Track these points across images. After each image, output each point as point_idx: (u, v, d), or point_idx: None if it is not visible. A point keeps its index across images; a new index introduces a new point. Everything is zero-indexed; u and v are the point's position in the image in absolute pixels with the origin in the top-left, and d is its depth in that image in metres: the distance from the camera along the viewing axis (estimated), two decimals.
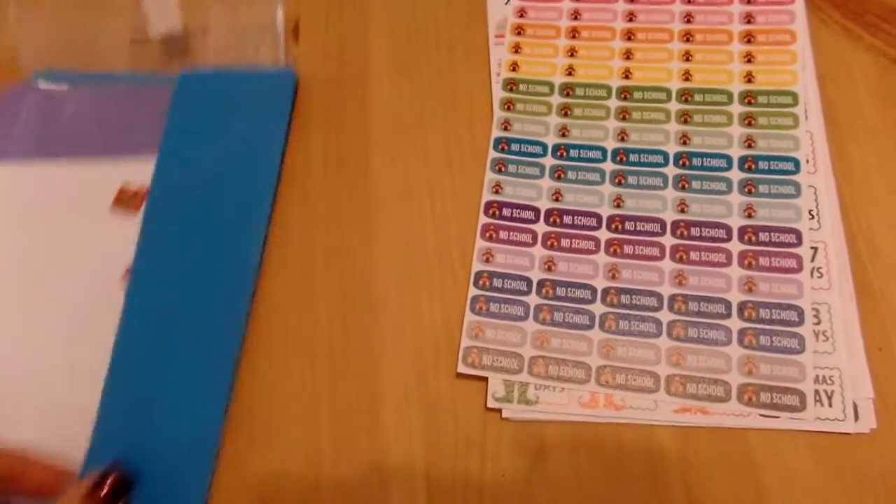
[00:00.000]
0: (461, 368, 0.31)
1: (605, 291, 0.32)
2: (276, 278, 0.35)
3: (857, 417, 0.29)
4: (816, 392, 0.30)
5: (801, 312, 0.31)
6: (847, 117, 0.35)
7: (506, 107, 0.37)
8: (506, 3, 0.40)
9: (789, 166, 0.34)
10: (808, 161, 0.34)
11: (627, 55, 0.37)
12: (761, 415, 0.30)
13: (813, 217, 0.33)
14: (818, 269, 0.32)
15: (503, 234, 0.34)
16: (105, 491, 0.29)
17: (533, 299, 0.33)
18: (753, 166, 0.34)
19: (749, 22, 0.37)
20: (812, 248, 0.32)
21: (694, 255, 0.33)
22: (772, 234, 0.32)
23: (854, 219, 0.33)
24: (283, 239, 0.35)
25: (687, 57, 0.37)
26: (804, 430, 0.29)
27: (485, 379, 0.31)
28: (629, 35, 0.38)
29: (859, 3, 0.37)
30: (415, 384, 0.32)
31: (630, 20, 0.38)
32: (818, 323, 0.31)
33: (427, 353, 0.32)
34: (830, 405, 0.30)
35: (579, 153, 0.35)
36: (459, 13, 0.40)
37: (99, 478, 0.29)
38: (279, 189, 0.37)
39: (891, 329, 0.31)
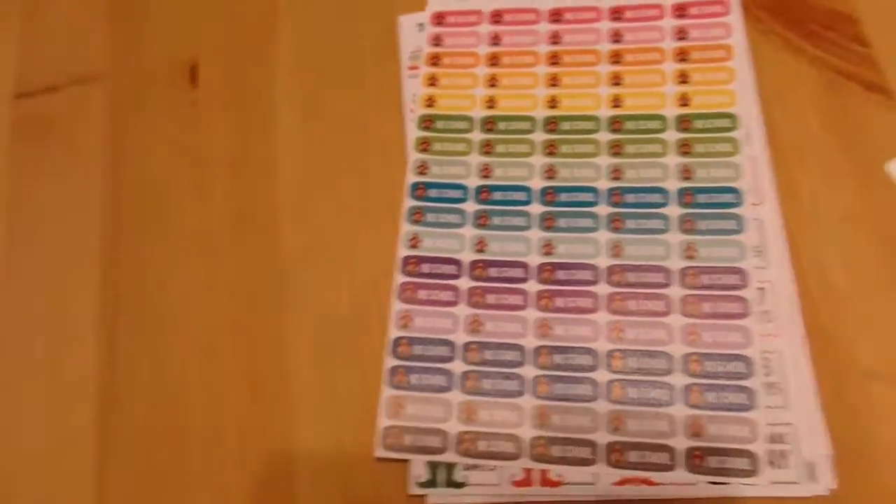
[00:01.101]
0: (380, 453, 0.28)
1: (537, 351, 0.29)
2: (175, 358, 0.32)
3: (814, 478, 0.27)
4: (769, 453, 0.27)
5: (749, 363, 0.28)
6: (791, 139, 0.32)
7: (422, 147, 0.34)
8: (419, 31, 0.36)
9: (730, 198, 0.31)
10: (751, 191, 0.31)
11: (553, 81, 0.34)
12: (710, 482, 0.27)
13: (759, 255, 0.30)
14: (766, 312, 0.29)
15: (422, 294, 0.31)
16: None
17: (457, 366, 0.30)
18: (692, 200, 0.31)
19: (682, 38, 0.34)
20: (759, 288, 0.29)
21: (632, 304, 0.30)
22: (714, 275, 0.29)
23: (804, 253, 0.30)
24: (184, 313, 0.32)
25: (616, 80, 0.34)
26: (758, 496, 0.27)
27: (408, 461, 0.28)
28: (554, 59, 0.35)
29: (800, 9, 0.34)
30: (333, 471, 0.29)
31: (555, 42, 0.35)
32: (768, 374, 0.28)
33: (345, 435, 0.29)
34: (785, 466, 0.27)
35: (504, 195, 0.32)
36: (369, 46, 0.37)
37: None
38: (178, 255, 0.34)
39: (847, 374, 0.28)
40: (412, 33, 0.36)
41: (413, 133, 0.34)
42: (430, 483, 0.28)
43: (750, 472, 0.27)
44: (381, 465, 0.28)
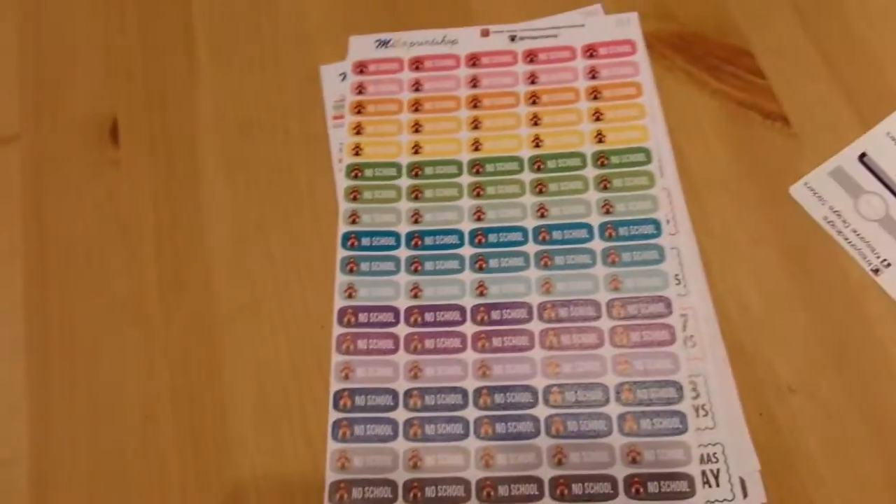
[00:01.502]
0: None
1: (477, 393, 0.30)
2: (112, 428, 0.31)
3: (745, 494, 0.28)
4: (703, 473, 0.28)
5: (679, 388, 0.29)
6: (700, 169, 0.33)
7: (352, 196, 0.34)
8: (342, 80, 0.37)
9: (650, 229, 0.32)
10: (668, 222, 0.32)
11: (475, 124, 0.35)
12: None
13: (679, 282, 0.31)
14: (690, 337, 0.30)
15: (361, 344, 0.31)
16: None
17: (401, 414, 0.30)
18: (614, 233, 0.32)
19: (594, 77, 0.35)
20: (682, 315, 0.31)
21: (566, 339, 0.31)
22: (641, 305, 0.31)
23: (720, 278, 0.31)
24: (119, 380, 0.32)
25: (535, 121, 0.35)
26: None
27: None
28: (475, 102, 0.36)
29: (700, 45, 0.36)
30: None
31: (474, 86, 0.36)
32: (696, 397, 0.29)
33: (294, 495, 0.29)
34: (718, 485, 0.28)
35: (435, 240, 0.33)
36: (293, 96, 0.37)
37: None
38: (110, 321, 0.33)
39: (768, 391, 0.30)
40: (335, 82, 0.37)
41: (342, 183, 0.34)
42: None
43: (688, 494, 0.28)
44: None
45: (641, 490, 0.28)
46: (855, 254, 0.32)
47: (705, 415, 0.29)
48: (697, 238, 0.32)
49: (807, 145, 0.34)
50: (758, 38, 0.36)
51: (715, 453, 0.29)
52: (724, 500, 0.28)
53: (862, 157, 0.33)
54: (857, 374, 0.30)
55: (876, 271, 0.31)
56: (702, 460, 0.28)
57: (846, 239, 0.32)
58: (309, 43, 0.38)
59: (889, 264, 0.31)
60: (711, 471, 0.28)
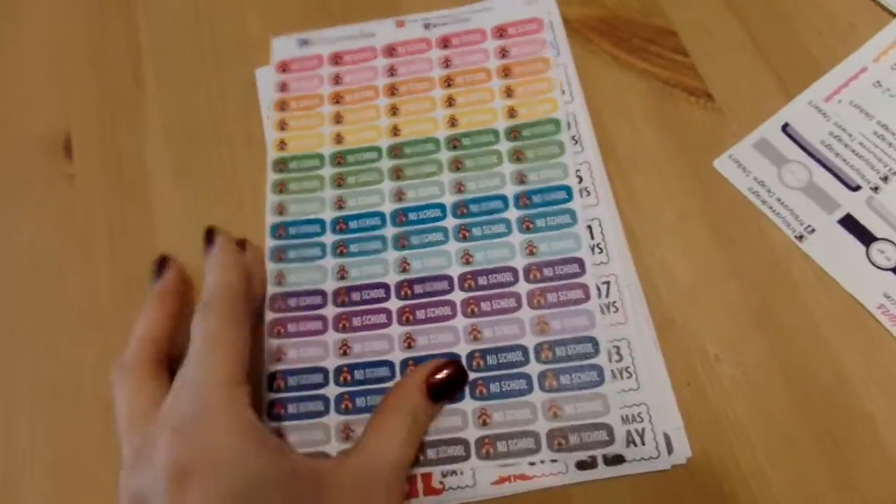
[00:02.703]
0: None
1: (404, 363, 0.31)
2: (72, 427, 0.32)
3: (670, 450, 0.29)
4: (628, 433, 0.29)
5: (595, 343, 0.30)
6: (627, 147, 0.34)
7: (279, 189, 0.35)
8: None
9: (561, 195, 0.33)
10: (587, 193, 0.33)
11: (393, 111, 0.37)
12: (578, 466, 0.29)
13: (601, 251, 0.32)
14: (613, 303, 0.31)
15: (292, 327, 0.32)
16: (443, 376, 0.30)
17: (332, 390, 0.31)
18: (528, 202, 0.33)
19: (504, 56, 0.37)
20: (604, 283, 0.32)
21: (485, 306, 0.32)
22: (555, 267, 0.32)
23: (646, 250, 0.32)
24: (77, 376, 0.33)
25: (450, 102, 0.36)
26: (624, 475, 0.29)
27: None
28: (392, 90, 0.37)
29: (624, 28, 0.37)
30: None
31: (391, 74, 0.37)
32: (620, 360, 0.30)
33: None
34: (644, 443, 0.29)
35: (358, 223, 0.34)
36: (235, 102, 0.38)
37: (437, 366, 0.30)
38: (68, 326, 0.34)
39: (696, 361, 0.30)
40: (269, 85, 0.38)
41: (270, 177, 0.36)
42: None
43: (608, 443, 0.29)
44: None
45: (563, 442, 0.29)
46: (779, 222, 0.32)
47: (629, 377, 0.30)
48: (625, 214, 0.33)
49: (731, 119, 0.35)
50: (681, 17, 0.37)
51: (640, 413, 0.29)
52: (650, 457, 0.29)
53: (784, 127, 0.34)
54: (784, 340, 0.30)
55: (800, 237, 0.32)
56: (626, 420, 0.29)
57: (771, 208, 0.33)
58: (249, 48, 0.40)
59: (813, 230, 0.32)
60: (637, 430, 0.29)
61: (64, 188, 0.38)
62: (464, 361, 0.31)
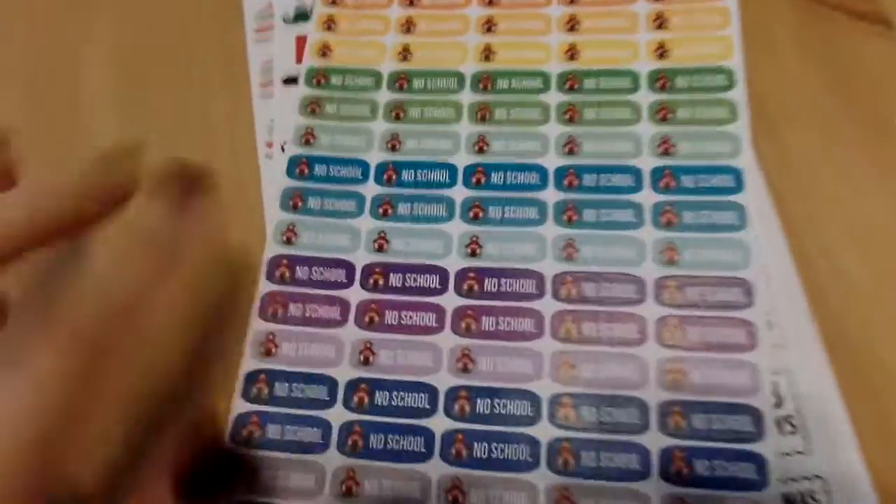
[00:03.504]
0: None
1: (452, 396, 0.20)
2: None
3: None
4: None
5: (758, 418, 0.19)
6: (775, 94, 0.23)
7: (309, 109, 0.25)
8: None
9: (727, 181, 0.22)
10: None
11: (489, 26, 0.26)
12: None
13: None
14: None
15: (295, 309, 0.22)
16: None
17: (338, 413, 0.20)
18: (674, 184, 0.22)
19: None
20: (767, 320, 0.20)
21: (589, 329, 0.21)
22: (706, 289, 0.21)
23: (804, 236, 0.21)
24: None
25: (572, 25, 0.25)
26: None
27: None
28: None
29: None
30: None
31: None
32: (778, 405, 0.19)
33: None
34: None
35: (416, 175, 0.23)
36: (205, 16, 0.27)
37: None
38: None
39: (886, 397, 0.19)
40: None
41: (300, 92, 0.25)
42: None
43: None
44: None
45: None
46: None
47: (792, 432, 0.19)
48: (772, 185, 0.22)
49: None
50: None
51: (812, 493, 0.19)
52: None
53: None
54: None
55: None
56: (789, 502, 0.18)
57: None
58: None
59: None
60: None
61: None
62: (543, 409, 0.20)
